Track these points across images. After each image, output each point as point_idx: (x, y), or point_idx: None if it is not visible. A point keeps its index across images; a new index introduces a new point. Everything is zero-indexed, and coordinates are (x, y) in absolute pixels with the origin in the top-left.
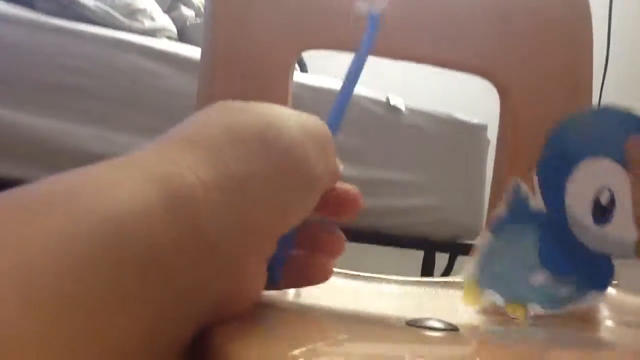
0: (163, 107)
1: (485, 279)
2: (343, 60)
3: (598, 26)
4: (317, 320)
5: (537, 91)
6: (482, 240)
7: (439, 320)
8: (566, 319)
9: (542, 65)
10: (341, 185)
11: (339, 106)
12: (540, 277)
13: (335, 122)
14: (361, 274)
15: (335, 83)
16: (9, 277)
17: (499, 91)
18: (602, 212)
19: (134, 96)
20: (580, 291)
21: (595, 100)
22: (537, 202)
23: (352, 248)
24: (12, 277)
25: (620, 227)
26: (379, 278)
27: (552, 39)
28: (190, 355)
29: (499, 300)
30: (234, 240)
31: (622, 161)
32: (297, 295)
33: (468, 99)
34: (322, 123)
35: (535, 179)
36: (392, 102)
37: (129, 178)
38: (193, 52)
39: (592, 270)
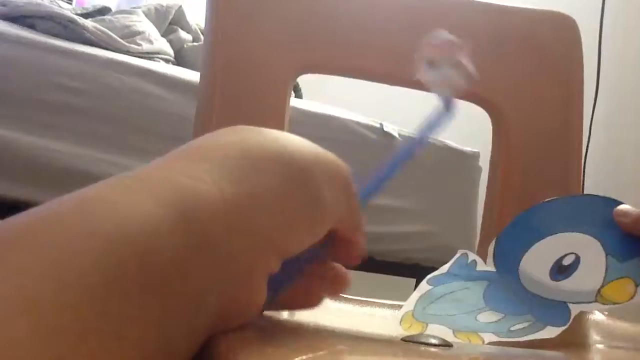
0: (160, 129)
1: (425, 317)
2: (337, 87)
3: (588, 46)
4: (315, 334)
5: (529, 116)
6: (420, 290)
7: (433, 337)
8: (556, 343)
9: (534, 89)
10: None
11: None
12: (487, 317)
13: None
14: (354, 297)
15: (329, 109)
16: (15, 300)
17: (491, 116)
18: (562, 270)
19: (130, 118)
20: (536, 326)
21: (586, 119)
22: (488, 264)
23: None
24: (16, 298)
25: (579, 281)
26: (372, 302)
27: (544, 64)
28: None
29: (446, 330)
30: (243, 255)
31: (596, 235)
32: (291, 314)
33: (461, 127)
34: (340, 163)
35: (492, 249)
36: (385, 129)
37: (142, 193)
38: (189, 75)
39: (547, 311)
